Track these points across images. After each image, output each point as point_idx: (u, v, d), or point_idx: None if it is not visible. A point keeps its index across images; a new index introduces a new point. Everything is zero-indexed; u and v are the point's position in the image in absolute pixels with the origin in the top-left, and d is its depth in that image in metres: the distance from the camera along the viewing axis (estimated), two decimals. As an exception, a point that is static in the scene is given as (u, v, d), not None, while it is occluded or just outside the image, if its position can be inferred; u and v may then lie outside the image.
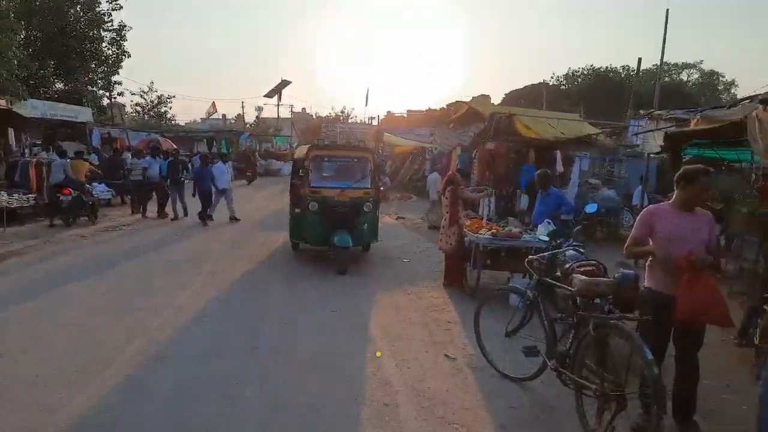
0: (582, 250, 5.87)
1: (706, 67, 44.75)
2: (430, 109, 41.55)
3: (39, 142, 19.66)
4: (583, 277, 3.80)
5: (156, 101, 42.76)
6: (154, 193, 14.25)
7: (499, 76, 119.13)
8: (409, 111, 43.76)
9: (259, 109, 57.61)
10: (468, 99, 19.69)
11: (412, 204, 18.95)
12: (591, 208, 8.24)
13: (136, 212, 14.38)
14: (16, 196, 11.97)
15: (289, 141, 40.26)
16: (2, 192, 11.89)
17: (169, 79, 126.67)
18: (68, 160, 13.01)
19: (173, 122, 44.35)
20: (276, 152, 37.51)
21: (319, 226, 8.68)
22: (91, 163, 17.80)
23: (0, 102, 14.72)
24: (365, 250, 9.72)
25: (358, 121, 44.93)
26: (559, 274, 5.63)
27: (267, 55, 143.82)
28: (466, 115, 18.52)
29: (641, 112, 14.76)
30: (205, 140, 34.11)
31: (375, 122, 36.59)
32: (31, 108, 17.67)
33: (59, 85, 27.02)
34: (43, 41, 25.56)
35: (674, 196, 3.84)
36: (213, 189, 13.26)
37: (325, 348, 5.14)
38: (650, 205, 3.99)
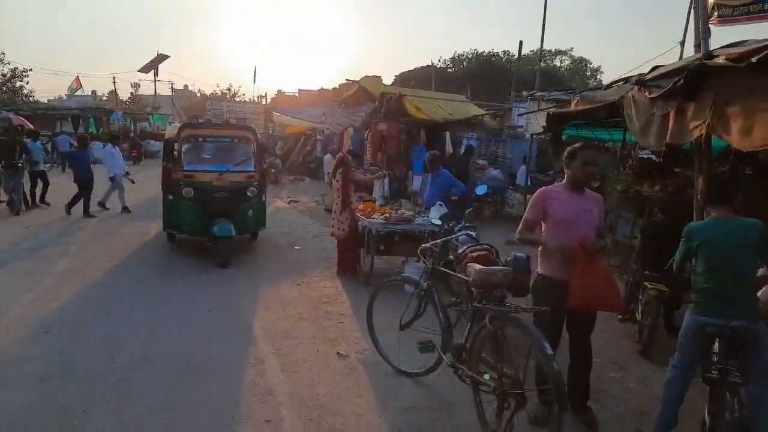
0: (473, 234, 5.74)
1: (576, 54, 48.30)
2: (322, 89, 40.67)
3: None
4: (478, 266, 3.55)
5: (9, 74, 37.54)
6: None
7: (389, 57, 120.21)
8: (300, 90, 42.51)
9: (136, 85, 52.97)
10: (359, 79, 19.27)
11: (306, 186, 18.28)
12: (481, 189, 8.27)
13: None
14: None
15: (170, 120, 37.24)
16: None
17: (29, 51, 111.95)
18: None
19: (31, 99, 39.22)
20: (154, 132, 34.53)
21: (196, 214, 7.81)
22: None
23: None
24: (253, 239, 8.99)
25: (247, 100, 42.85)
26: (451, 257, 5.49)
27: (143, 26, 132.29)
28: (357, 95, 18.09)
29: (524, 93, 15.30)
30: (70, 119, 30.47)
31: (265, 101, 35.02)
32: None
33: None
34: None
35: (564, 178, 3.72)
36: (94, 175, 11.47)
37: (198, 357, 4.48)
38: (543, 187, 3.84)
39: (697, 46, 9.04)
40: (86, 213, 11.09)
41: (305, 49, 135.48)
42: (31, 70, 39.24)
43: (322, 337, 4.99)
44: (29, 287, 6.23)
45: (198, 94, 55.89)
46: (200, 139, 8.56)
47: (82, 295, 6.09)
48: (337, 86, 37.24)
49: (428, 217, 6.81)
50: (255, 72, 50.25)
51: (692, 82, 4.02)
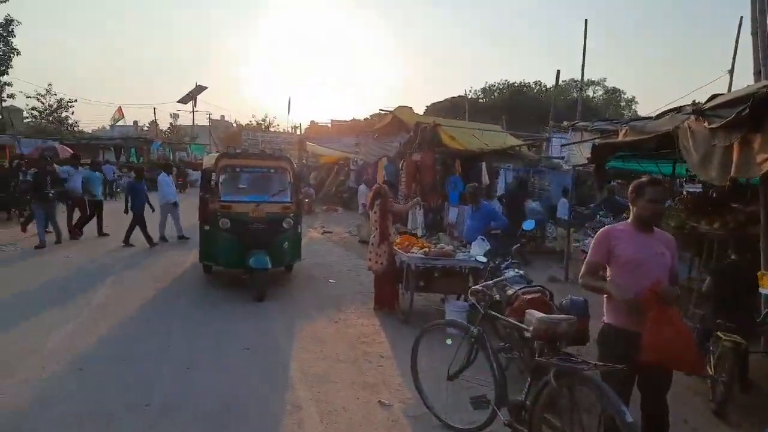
0: (522, 272, 5.43)
1: (609, 84, 47.72)
2: (354, 120, 41.17)
3: None
4: (539, 314, 3.25)
5: (55, 105, 39.21)
6: (77, 210, 12.21)
7: (420, 88, 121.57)
8: (333, 121, 43.13)
9: (174, 116, 54.67)
10: (392, 109, 19.30)
11: (339, 216, 18.23)
12: (529, 225, 7.91)
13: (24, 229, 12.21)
14: None
15: (207, 150, 38.15)
16: None
17: (74, 83, 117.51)
18: None
19: (76, 128, 40.79)
20: (192, 162, 35.38)
21: (232, 246, 7.73)
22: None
23: None
24: (287, 271, 8.84)
25: (281, 130, 43.66)
26: (498, 297, 5.18)
27: (182, 59, 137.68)
28: (390, 125, 18.10)
29: (565, 123, 15.01)
30: (112, 148, 31.51)
31: (298, 131, 35.55)
32: None
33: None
34: None
35: (630, 215, 3.42)
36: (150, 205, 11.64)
37: (234, 399, 4.27)
38: (606, 226, 3.54)
39: (757, 74, 8.64)
40: (126, 241, 11.17)
41: (337, 80, 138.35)
42: (76, 100, 40.83)
43: (362, 383, 4.71)
44: (67, 319, 6.18)
45: (234, 125, 57.27)
46: (237, 169, 8.56)
47: (119, 329, 5.99)
48: (368, 116, 37.51)
49: (470, 252, 6.54)
50: (289, 103, 51.45)
51: (759, 112, 3.73)
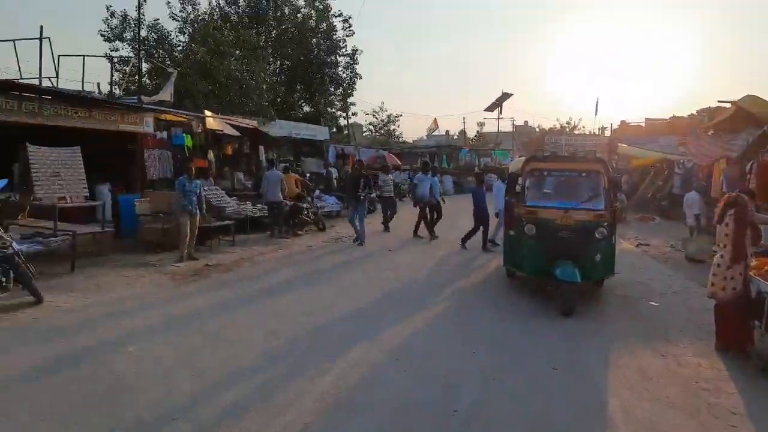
0: None
1: None
2: (674, 117, 35.79)
3: (291, 158, 22.09)
4: None
5: (386, 120, 45.85)
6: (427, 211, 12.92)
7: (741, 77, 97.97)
8: (647, 119, 38.45)
9: (481, 124, 57.54)
10: (736, 100, 15.70)
11: (656, 226, 15.92)
12: None
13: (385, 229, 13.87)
14: (259, 206, 13.30)
15: (510, 155, 38.84)
16: (248, 202, 13.35)
17: (399, 98, 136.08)
18: (282, 174, 13.45)
19: (400, 139, 46.89)
20: (495, 166, 36.49)
21: (538, 254, 7.30)
22: (330, 178, 19.38)
23: (251, 123, 16.76)
24: (598, 285, 7.94)
25: (587, 133, 41.22)
26: None
27: (490, 68, 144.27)
28: (733, 119, 14.77)
29: None
30: (427, 155, 35.03)
31: (607, 132, 32.83)
32: (278, 128, 19.94)
33: (306, 108, 30.54)
34: (290, 69, 29.11)
35: None
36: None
37: (542, 420, 3.85)
38: None
39: None
40: (485, 247, 11.19)
41: (645, 75, 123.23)
42: (401, 115, 47.09)
43: (708, 442, 3.68)
44: (387, 310, 6.79)
45: (537, 129, 56.90)
46: (545, 173, 8.09)
47: (430, 326, 6.26)
48: (694, 112, 31.92)
49: None
50: (597, 104, 48.15)
51: None
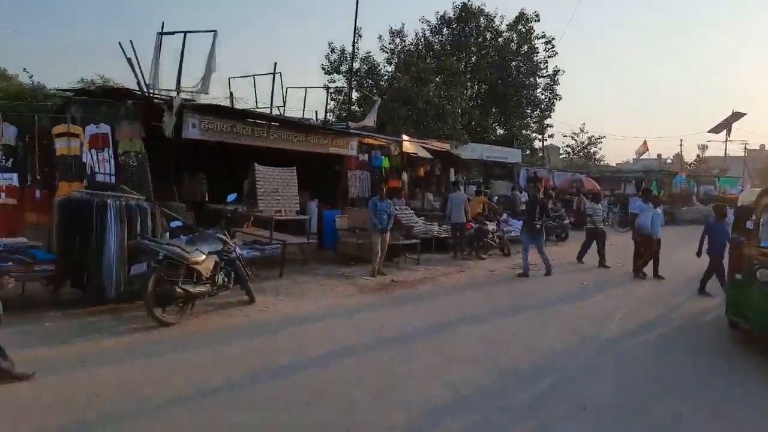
0: None
1: None
2: None
3: (480, 181, 22.22)
4: None
5: (586, 142, 43.09)
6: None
7: None
8: None
9: (703, 147, 50.42)
10: None
11: None
12: None
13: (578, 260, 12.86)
14: (444, 226, 13.55)
15: (740, 183, 33.18)
16: (435, 222, 13.68)
17: (601, 119, 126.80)
18: (466, 196, 13.57)
19: (602, 162, 43.58)
20: (719, 196, 31.47)
21: (773, 306, 6.00)
22: (515, 200, 18.89)
23: (444, 146, 17.19)
24: None
25: None
26: None
27: (717, 84, 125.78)
28: None
29: None
30: (633, 181, 31.85)
31: None
32: (470, 151, 20.14)
33: (500, 131, 30.33)
34: (487, 92, 29.20)
35: None
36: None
37: None
38: None
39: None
40: (702, 291, 9.58)
41: None
42: (604, 137, 43.79)
43: None
44: (573, 351, 6.22)
45: (778, 153, 47.68)
46: (789, 209, 6.66)
47: (621, 371, 5.55)
48: None
49: None
50: None
51: None
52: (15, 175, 8.52)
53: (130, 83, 10.32)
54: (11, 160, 8.63)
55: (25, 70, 20.92)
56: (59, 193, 7.99)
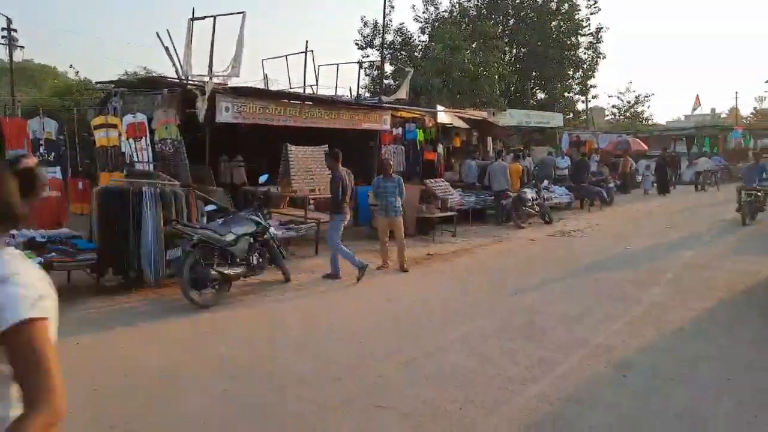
0: None
1: None
2: None
3: (521, 147, 21.58)
4: None
5: (633, 101, 41.09)
6: None
7: None
8: None
9: (761, 99, 47.20)
10: None
11: None
12: None
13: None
14: (483, 197, 13.34)
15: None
16: (472, 193, 13.46)
17: (652, 76, 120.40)
18: (507, 165, 13.39)
19: (650, 121, 41.53)
20: (781, 151, 29.50)
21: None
22: (557, 167, 18.29)
23: (481, 114, 16.73)
24: None
25: None
26: None
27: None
28: None
29: None
30: (684, 138, 30.26)
31: None
32: (509, 117, 19.55)
33: (540, 95, 29.28)
34: (526, 55, 28.13)
35: None
36: None
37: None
38: None
39: None
40: None
41: None
42: (653, 94, 41.50)
43: None
44: (618, 315, 6.01)
45: None
46: None
47: (665, 340, 5.31)
48: None
49: None
50: None
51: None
52: (58, 168, 8.88)
53: (171, 73, 10.50)
54: (53, 154, 8.98)
55: (71, 66, 21.66)
56: (100, 183, 8.28)
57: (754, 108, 48.67)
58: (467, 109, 17.19)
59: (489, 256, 9.58)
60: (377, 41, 26.29)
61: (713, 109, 55.29)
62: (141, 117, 9.16)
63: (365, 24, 26.91)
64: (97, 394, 4.08)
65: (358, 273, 7.48)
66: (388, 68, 26.52)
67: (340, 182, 7.69)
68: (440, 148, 14.93)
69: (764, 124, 39.97)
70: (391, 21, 23.95)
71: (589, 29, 28.32)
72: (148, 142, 9.12)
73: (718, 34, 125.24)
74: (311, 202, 10.03)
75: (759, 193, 12.42)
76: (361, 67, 22.64)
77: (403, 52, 26.51)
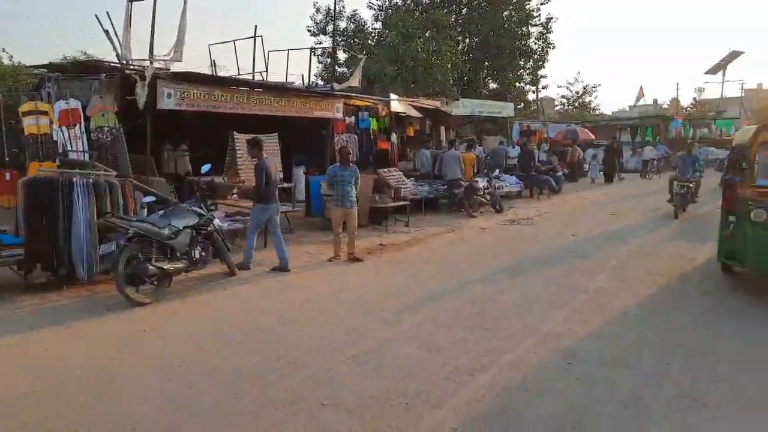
0: None
1: None
2: None
3: (473, 137, 21.75)
4: None
5: (581, 92, 42.22)
6: None
7: None
8: None
9: (700, 90, 49.52)
10: None
11: None
12: None
13: None
14: (435, 186, 13.34)
15: (736, 125, 32.62)
16: (425, 182, 13.45)
17: (598, 67, 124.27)
18: (460, 154, 13.42)
19: (597, 112, 42.83)
20: (716, 139, 31.10)
21: (766, 246, 5.84)
22: (508, 156, 18.55)
23: (434, 103, 16.71)
24: None
25: None
26: None
27: (715, 22, 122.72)
28: None
29: None
30: (628, 128, 31.33)
31: None
32: (461, 107, 19.63)
33: (492, 85, 29.55)
34: (478, 45, 28.30)
35: None
36: None
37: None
38: None
39: None
40: None
41: None
42: (600, 85, 42.84)
43: None
44: (566, 302, 6.09)
45: (776, 92, 46.83)
46: (786, 147, 6.41)
47: (611, 327, 5.42)
48: None
49: None
50: None
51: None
52: (-18, 158, 8.23)
53: (112, 58, 9.91)
54: (-23, 142, 8.31)
55: (4, 50, 20.20)
56: (29, 174, 7.71)
57: (694, 98, 50.96)
58: (420, 98, 17.12)
59: (441, 245, 9.57)
60: (330, 28, 25.86)
61: (655, 100, 57.70)
62: (74, 103, 8.60)
63: (317, 10, 26.46)
64: (28, 397, 3.79)
65: (241, 269, 7.29)
66: (342, 56, 26.15)
67: (264, 171, 7.41)
68: (394, 137, 14.81)
69: (702, 114, 41.95)
70: (344, 8, 23.59)
71: (539, 19, 28.77)
72: (83, 129, 8.58)
73: (661, 24, 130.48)
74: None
75: (691, 185, 12.60)
76: (313, 53, 22.21)
77: (357, 40, 26.16)
